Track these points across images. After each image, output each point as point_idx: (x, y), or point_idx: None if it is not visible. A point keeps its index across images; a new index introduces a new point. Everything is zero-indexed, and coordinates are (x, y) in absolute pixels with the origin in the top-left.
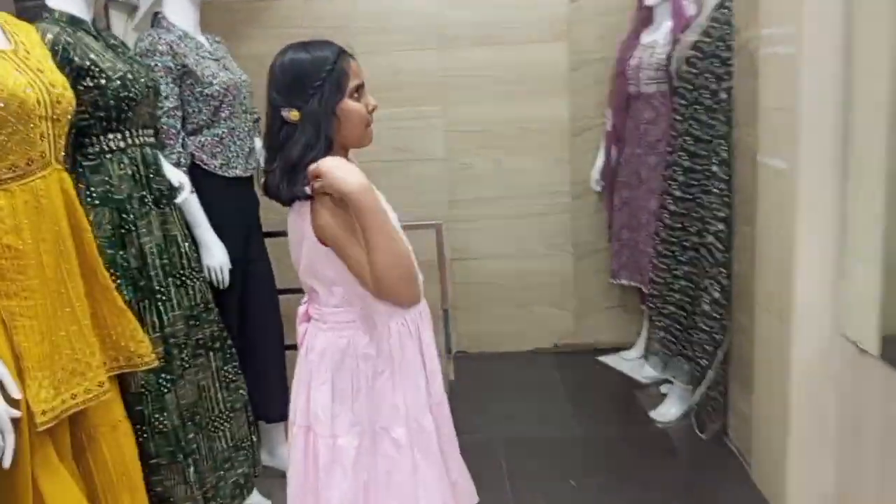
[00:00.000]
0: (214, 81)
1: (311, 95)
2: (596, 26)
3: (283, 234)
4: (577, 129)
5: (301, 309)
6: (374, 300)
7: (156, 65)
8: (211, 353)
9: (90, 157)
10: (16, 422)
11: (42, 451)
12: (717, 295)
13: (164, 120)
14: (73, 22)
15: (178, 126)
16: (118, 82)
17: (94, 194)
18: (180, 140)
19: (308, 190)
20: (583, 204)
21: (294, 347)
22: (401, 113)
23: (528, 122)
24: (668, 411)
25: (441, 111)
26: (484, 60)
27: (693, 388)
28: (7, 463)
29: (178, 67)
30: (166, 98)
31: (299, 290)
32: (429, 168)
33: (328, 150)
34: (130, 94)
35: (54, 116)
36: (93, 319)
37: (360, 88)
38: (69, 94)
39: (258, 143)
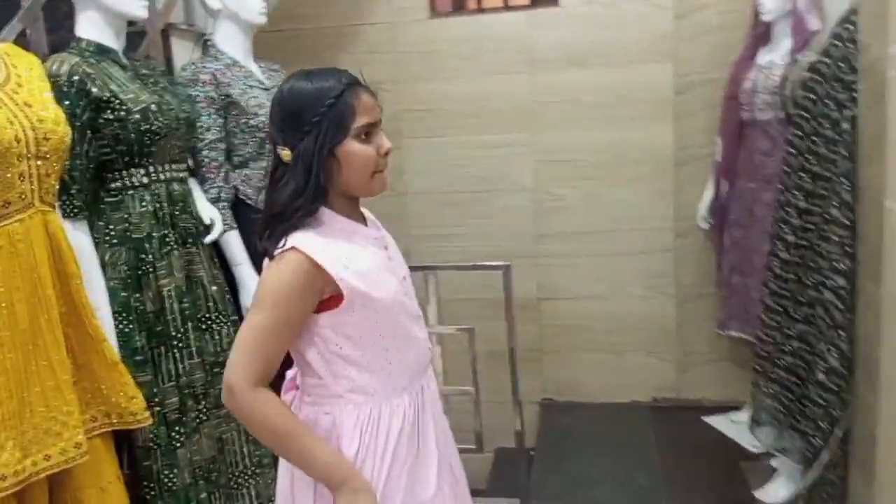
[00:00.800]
0: (260, 112)
1: (307, 133)
2: (705, 45)
3: None
4: (682, 158)
5: (289, 372)
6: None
7: (197, 95)
8: None
9: (112, 192)
10: None
11: None
12: (834, 363)
13: (204, 153)
14: (101, 51)
15: (221, 159)
16: (138, 115)
17: (112, 233)
18: (222, 173)
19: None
20: (687, 242)
21: None
22: (486, 141)
23: (626, 150)
24: (776, 492)
25: (529, 138)
26: (577, 83)
27: (805, 469)
28: None
29: (222, 98)
30: (208, 130)
31: None
32: (515, 199)
33: (318, 199)
34: (153, 128)
35: (40, 154)
36: (82, 372)
37: (371, 128)
38: (62, 129)
39: None
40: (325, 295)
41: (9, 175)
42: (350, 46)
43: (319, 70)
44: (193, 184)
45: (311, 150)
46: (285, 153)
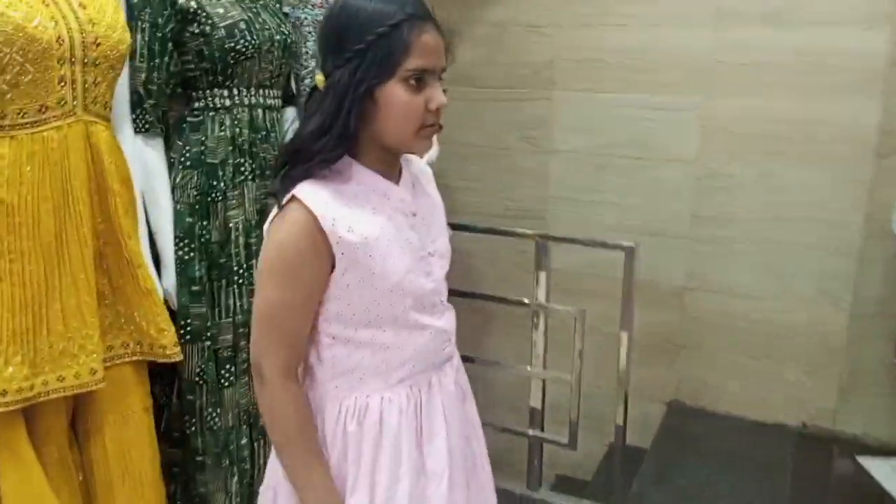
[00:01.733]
0: None
1: (347, 61)
2: None
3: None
4: (888, 146)
5: None
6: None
7: (305, 18)
8: None
9: (194, 112)
10: None
11: (3, 433)
12: None
13: (307, 81)
14: None
15: None
16: (223, 31)
17: (188, 154)
18: None
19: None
20: (877, 247)
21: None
22: (647, 100)
23: (816, 127)
24: None
25: (699, 102)
26: (769, 43)
27: None
28: None
29: None
30: (313, 56)
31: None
32: (672, 171)
33: (342, 144)
34: (237, 46)
35: (86, 60)
36: (118, 295)
37: (425, 74)
38: (117, 36)
39: None
40: (333, 260)
41: (47, 78)
42: None
43: None
44: (291, 113)
45: (347, 82)
46: (319, 78)
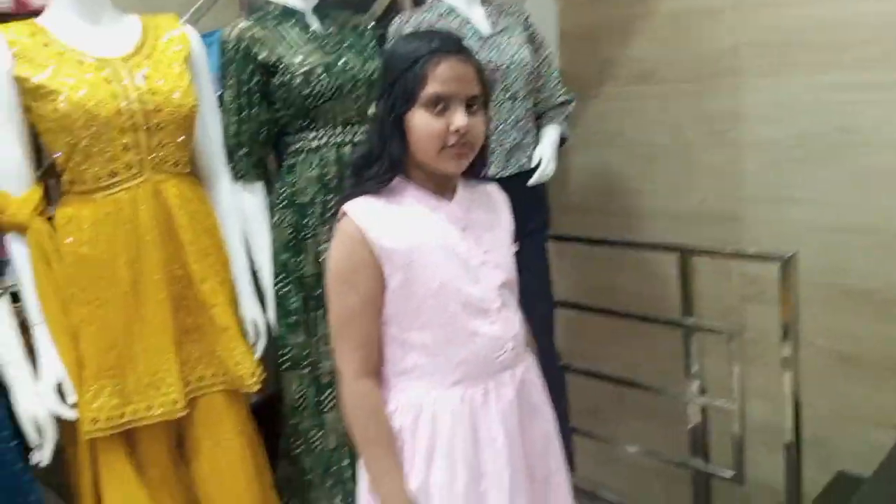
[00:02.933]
0: None
1: (384, 93)
2: None
3: (574, 238)
4: None
5: None
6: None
7: None
8: None
9: (290, 156)
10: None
11: (106, 456)
12: None
13: None
14: (284, 13)
15: None
16: (301, 78)
17: (282, 195)
18: None
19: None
20: None
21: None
22: (849, 81)
23: None
24: None
25: None
26: None
27: None
28: (43, 461)
29: None
30: None
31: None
32: (885, 158)
33: (393, 168)
34: (314, 91)
35: (149, 126)
36: (200, 331)
37: (443, 100)
38: (178, 100)
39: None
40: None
41: (113, 147)
42: None
43: (427, 32)
44: None
45: (383, 112)
46: (370, 108)
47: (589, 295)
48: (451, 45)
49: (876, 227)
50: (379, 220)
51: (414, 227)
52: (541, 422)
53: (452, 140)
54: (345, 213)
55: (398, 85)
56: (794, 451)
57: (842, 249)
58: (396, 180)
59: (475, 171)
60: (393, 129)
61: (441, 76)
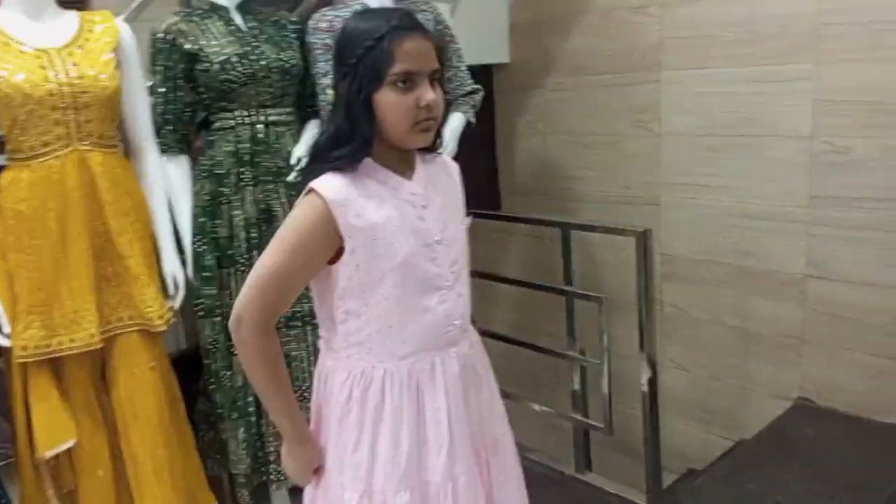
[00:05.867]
0: None
1: (345, 75)
2: None
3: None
4: None
5: None
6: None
7: (315, 43)
8: (308, 328)
9: (211, 132)
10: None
11: (35, 379)
12: None
13: (321, 97)
14: (212, 9)
15: None
16: (218, 66)
17: (203, 167)
18: None
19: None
20: None
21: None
22: (753, 73)
23: None
24: None
25: (811, 72)
26: (884, 3)
27: None
28: None
29: None
30: (325, 75)
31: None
32: (786, 149)
33: (363, 149)
34: (230, 77)
35: (77, 105)
36: (118, 279)
37: (411, 76)
38: (102, 84)
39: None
40: (341, 242)
41: (46, 121)
42: None
43: (380, 10)
44: (311, 126)
45: (348, 93)
46: (331, 93)
47: (535, 271)
48: (409, 21)
49: (777, 213)
50: (346, 198)
51: (377, 206)
52: (484, 392)
53: (423, 115)
54: (311, 190)
55: (363, 64)
56: (649, 402)
57: (746, 232)
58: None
59: (432, 146)
60: (362, 110)
61: (408, 53)
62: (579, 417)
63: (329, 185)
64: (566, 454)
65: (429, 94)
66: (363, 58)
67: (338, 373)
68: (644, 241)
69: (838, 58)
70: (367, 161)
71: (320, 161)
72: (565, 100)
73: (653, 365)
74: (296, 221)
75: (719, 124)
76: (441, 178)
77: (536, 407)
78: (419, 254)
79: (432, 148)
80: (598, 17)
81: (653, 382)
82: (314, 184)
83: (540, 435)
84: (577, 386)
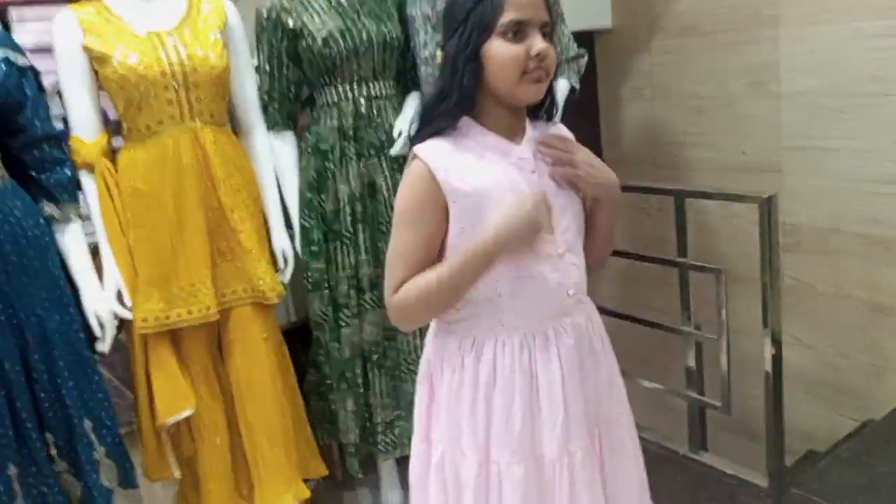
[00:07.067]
0: None
1: (455, 31)
2: None
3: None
4: None
5: None
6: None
7: (414, 13)
8: None
9: (316, 109)
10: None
11: (155, 350)
12: None
13: (421, 69)
14: None
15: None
16: (320, 42)
17: (308, 143)
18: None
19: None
20: None
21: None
22: (877, 27)
23: None
24: None
25: None
26: None
27: None
28: (104, 349)
29: (439, 13)
30: (424, 46)
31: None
32: None
33: (462, 105)
34: (332, 52)
35: (188, 83)
36: (233, 253)
37: (520, 26)
38: (212, 62)
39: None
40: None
41: (160, 101)
42: None
43: None
44: (412, 98)
45: (456, 48)
46: (439, 54)
47: (643, 243)
48: None
49: None
50: (448, 162)
51: (483, 170)
52: (602, 368)
53: (533, 65)
54: (415, 156)
55: (472, 17)
56: (773, 381)
57: (875, 198)
58: (467, 123)
59: (548, 112)
60: (468, 61)
61: (517, 2)
62: (695, 395)
63: (431, 149)
64: (680, 433)
65: (539, 43)
66: (472, 10)
67: (449, 341)
68: (768, 207)
69: None
70: (474, 125)
71: (426, 121)
72: (674, 63)
73: (777, 342)
74: (404, 193)
75: (845, 83)
76: (555, 138)
77: (647, 383)
78: None
79: (548, 115)
80: None
81: (777, 360)
82: (417, 149)
83: (651, 413)
84: (691, 362)
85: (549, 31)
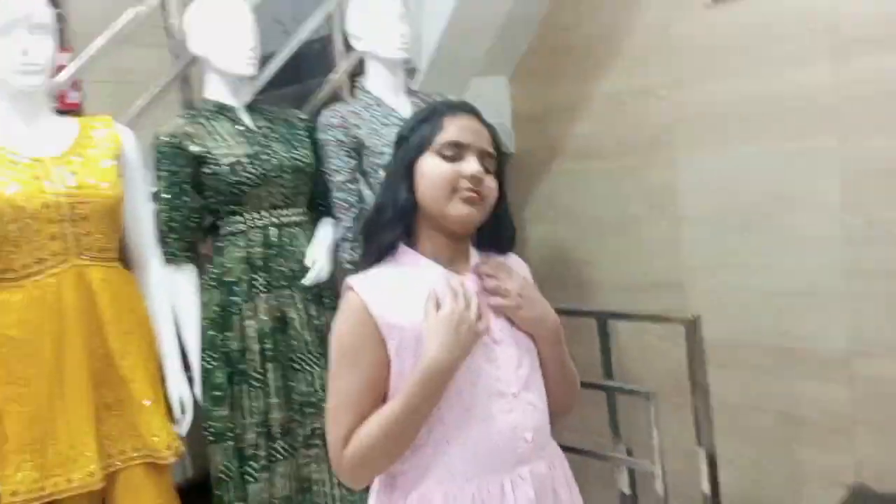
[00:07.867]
0: (386, 151)
1: (398, 147)
2: None
3: None
4: None
5: None
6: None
7: (328, 139)
8: None
9: (219, 238)
10: None
11: None
12: None
13: (335, 194)
14: (219, 109)
15: (352, 199)
16: (227, 168)
17: (211, 275)
18: (353, 214)
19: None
20: None
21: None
22: (779, 148)
23: None
24: None
25: (837, 145)
26: None
27: None
28: None
29: (352, 139)
30: (338, 172)
31: None
32: (817, 222)
33: (399, 219)
34: (241, 179)
35: (75, 217)
36: (122, 406)
37: (458, 148)
38: (104, 193)
39: None
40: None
41: (40, 236)
42: (620, 50)
43: (444, 99)
44: (325, 225)
45: (394, 164)
46: (382, 173)
47: None
48: (469, 107)
49: (808, 288)
50: (384, 294)
51: (421, 302)
52: None
53: (464, 185)
54: (350, 287)
55: (413, 136)
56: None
57: (782, 312)
58: (404, 251)
59: (503, 245)
60: (402, 177)
61: (458, 125)
62: None
63: (366, 280)
64: None
65: (472, 165)
66: (415, 129)
67: (394, 497)
68: (694, 329)
69: (863, 130)
70: (412, 253)
71: (366, 239)
72: (574, 185)
73: (713, 462)
74: (340, 328)
75: (743, 203)
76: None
77: None
78: (475, 354)
79: (499, 249)
80: (604, 102)
81: (715, 481)
82: (351, 280)
83: None
84: (625, 489)
85: (492, 167)
